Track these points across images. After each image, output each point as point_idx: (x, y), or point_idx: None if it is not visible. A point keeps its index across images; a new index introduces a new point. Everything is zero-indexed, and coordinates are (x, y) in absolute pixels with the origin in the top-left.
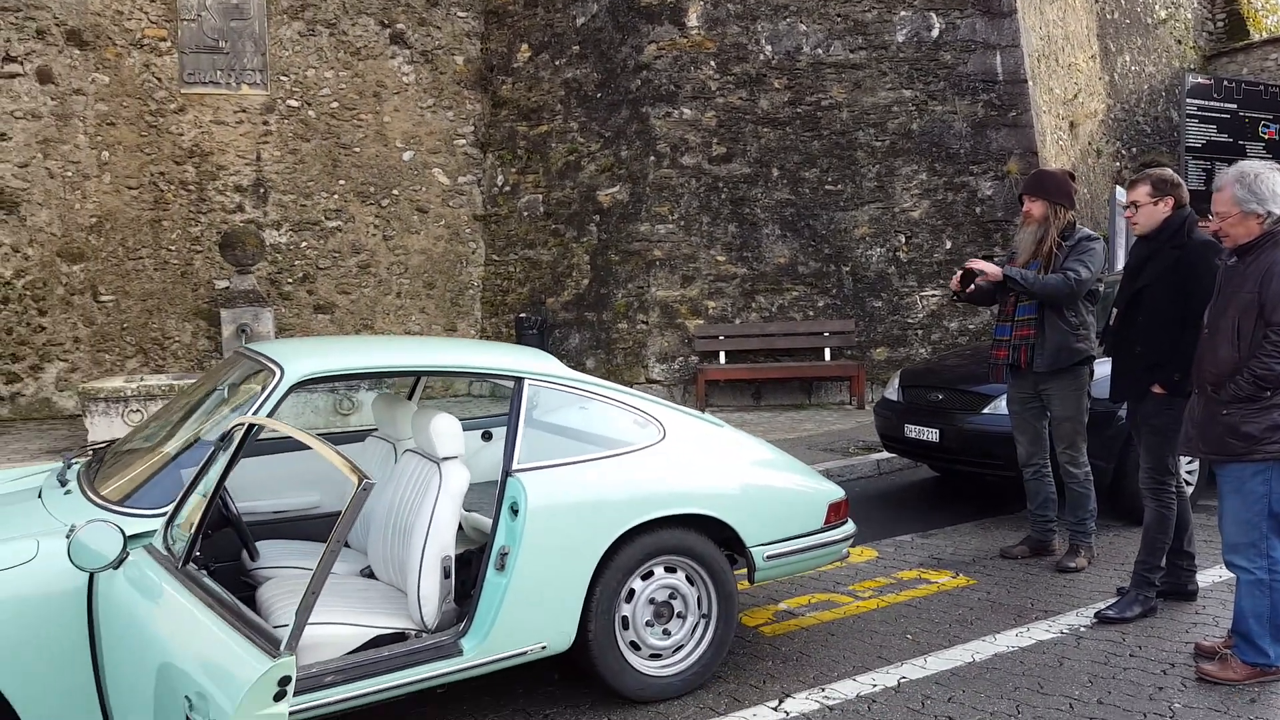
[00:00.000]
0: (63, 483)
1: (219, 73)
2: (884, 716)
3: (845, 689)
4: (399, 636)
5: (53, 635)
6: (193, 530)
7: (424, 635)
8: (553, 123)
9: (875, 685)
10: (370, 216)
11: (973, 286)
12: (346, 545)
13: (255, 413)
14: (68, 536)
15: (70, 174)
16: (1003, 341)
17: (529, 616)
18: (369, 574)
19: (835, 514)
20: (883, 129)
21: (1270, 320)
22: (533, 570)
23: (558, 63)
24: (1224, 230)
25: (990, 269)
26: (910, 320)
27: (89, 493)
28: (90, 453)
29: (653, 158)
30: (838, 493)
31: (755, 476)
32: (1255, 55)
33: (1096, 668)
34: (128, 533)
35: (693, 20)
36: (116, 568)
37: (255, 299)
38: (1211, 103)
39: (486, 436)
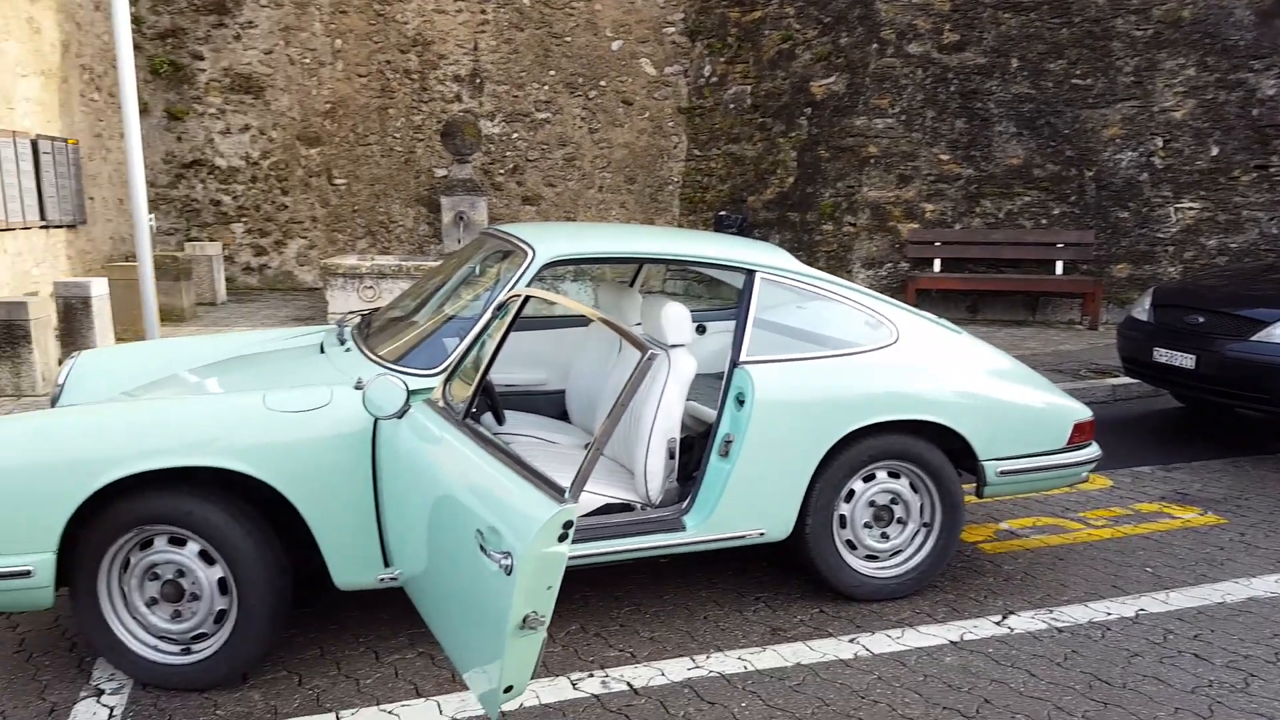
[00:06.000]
0: (341, 341)
1: None
2: (1120, 644)
3: (1075, 613)
4: (625, 507)
5: (343, 470)
6: (473, 387)
7: (648, 509)
8: (767, 8)
9: (1110, 614)
10: (577, 108)
11: None
12: (569, 421)
13: (512, 290)
14: (357, 387)
15: (308, 61)
16: None
17: (749, 503)
18: None
19: (1080, 434)
20: (1146, 16)
21: None
22: (755, 460)
23: None
24: None
25: None
26: (1161, 235)
27: (367, 352)
28: (359, 318)
29: (875, 45)
30: (1084, 412)
31: (992, 387)
32: None
33: None
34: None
35: None
36: (400, 417)
37: (472, 188)
38: None
39: (700, 330)
